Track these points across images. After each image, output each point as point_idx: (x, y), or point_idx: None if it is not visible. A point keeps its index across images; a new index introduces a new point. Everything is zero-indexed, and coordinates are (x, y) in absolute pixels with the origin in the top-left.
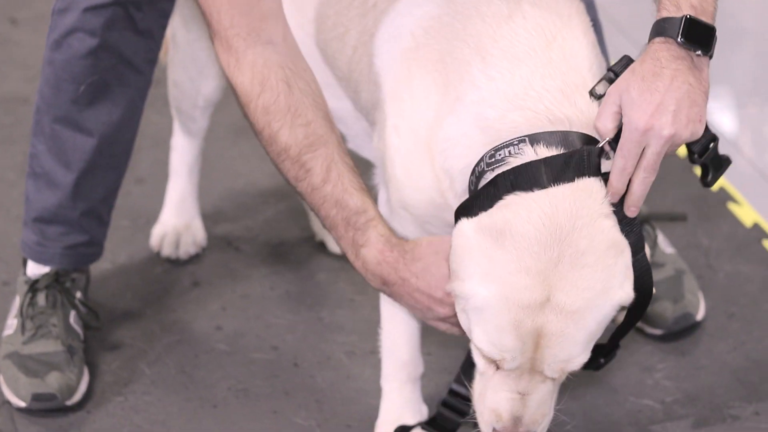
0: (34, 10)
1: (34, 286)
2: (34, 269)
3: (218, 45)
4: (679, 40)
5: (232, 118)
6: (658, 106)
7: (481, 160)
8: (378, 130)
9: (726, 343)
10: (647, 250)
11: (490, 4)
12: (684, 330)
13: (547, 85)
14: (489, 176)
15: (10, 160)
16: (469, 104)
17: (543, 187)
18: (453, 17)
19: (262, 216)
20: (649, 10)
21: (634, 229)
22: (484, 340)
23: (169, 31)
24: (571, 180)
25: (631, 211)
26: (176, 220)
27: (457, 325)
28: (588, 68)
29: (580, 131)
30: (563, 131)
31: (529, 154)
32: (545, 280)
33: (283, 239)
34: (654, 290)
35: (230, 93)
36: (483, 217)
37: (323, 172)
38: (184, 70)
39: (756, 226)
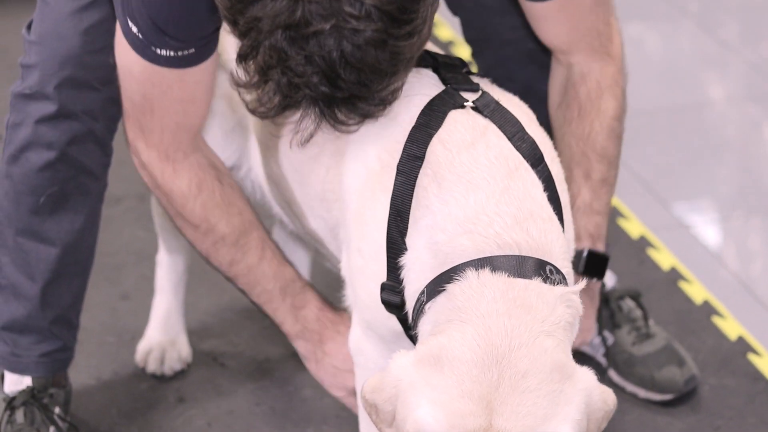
0: None
1: (11, 403)
2: (11, 385)
3: (153, 156)
4: (580, 271)
5: None
6: None
7: (422, 293)
8: (345, 250)
9: None
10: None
11: (454, 131)
12: (691, 392)
13: (500, 210)
14: (428, 306)
15: None
16: (423, 228)
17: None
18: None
19: (248, 332)
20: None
21: None
22: None
23: None
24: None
25: None
26: (161, 337)
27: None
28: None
29: (530, 256)
30: (512, 255)
31: (472, 279)
32: (488, 405)
33: (268, 355)
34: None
35: None
36: (419, 347)
37: (259, 251)
38: None
39: (740, 340)
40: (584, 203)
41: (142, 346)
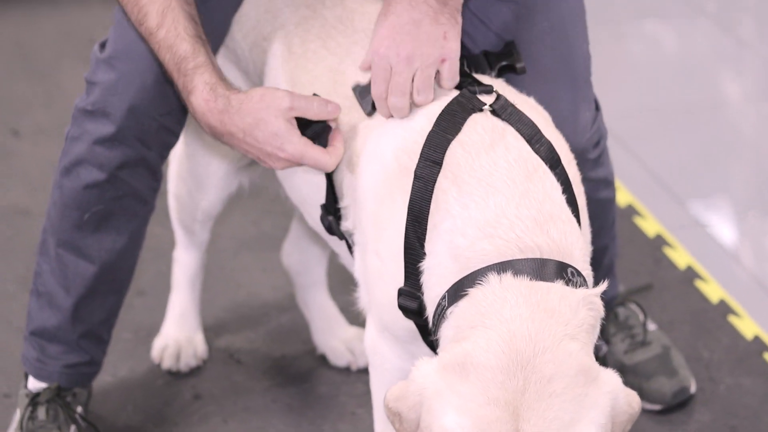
0: (36, 121)
1: (34, 399)
2: (35, 383)
3: None
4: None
5: (234, 230)
6: (393, 30)
7: (443, 298)
8: (360, 251)
9: None
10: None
11: (473, 133)
12: (680, 404)
13: (520, 214)
14: (450, 311)
15: (11, 272)
16: (443, 232)
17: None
18: None
19: (264, 328)
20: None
21: None
22: None
23: None
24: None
25: None
26: (178, 333)
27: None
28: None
29: (552, 259)
30: (533, 258)
31: (494, 283)
32: (514, 411)
33: (284, 352)
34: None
35: (230, 206)
36: (443, 355)
37: (158, 16)
38: (184, 183)
39: (757, 339)
40: None
41: (158, 343)
